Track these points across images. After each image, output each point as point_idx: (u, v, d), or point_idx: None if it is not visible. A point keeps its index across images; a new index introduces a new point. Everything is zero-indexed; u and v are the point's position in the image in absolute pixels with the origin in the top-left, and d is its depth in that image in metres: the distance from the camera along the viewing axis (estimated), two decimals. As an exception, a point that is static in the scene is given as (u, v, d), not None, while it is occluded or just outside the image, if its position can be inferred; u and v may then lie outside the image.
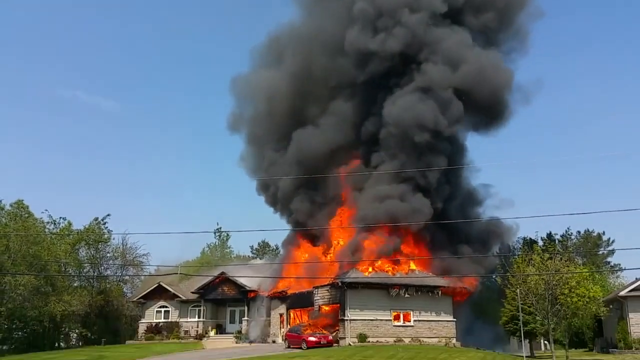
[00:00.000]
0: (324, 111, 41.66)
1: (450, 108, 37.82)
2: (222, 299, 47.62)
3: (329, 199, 41.28)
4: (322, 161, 39.98)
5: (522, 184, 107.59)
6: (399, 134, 37.43)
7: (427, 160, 37.42)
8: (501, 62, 40.48)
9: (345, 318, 34.04)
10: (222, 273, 46.06)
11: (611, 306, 33.42)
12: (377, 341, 33.40)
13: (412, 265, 38.39)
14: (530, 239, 55.89)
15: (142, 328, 47.58)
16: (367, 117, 39.59)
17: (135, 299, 49.67)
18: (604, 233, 61.54)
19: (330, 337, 33.57)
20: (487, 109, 40.00)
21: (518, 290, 23.98)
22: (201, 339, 44.30)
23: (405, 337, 34.60)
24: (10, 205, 44.79)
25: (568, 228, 62.41)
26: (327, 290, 36.33)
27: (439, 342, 34.62)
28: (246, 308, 45.97)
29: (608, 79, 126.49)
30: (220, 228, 75.81)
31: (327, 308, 37.28)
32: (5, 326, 40.09)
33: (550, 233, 59.94)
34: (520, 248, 51.92)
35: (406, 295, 35.27)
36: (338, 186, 40.71)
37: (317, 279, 36.77)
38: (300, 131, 41.70)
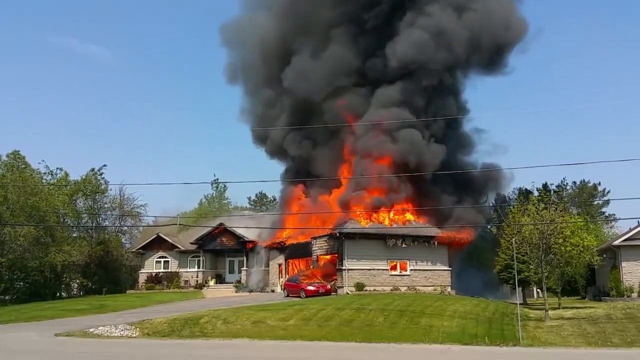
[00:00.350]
0: (318, 52, 40.54)
1: (453, 48, 37.24)
2: (221, 249, 48.10)
3: (327, 141, 40.87)
4: (319, 102, 39.30)
5: (519, 133, 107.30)
6: (400, 68, 36.81)
7: (431, 102, 36.99)
8: (509, 10, 39.51)
9: (343, 268, 34.50)
10: (221, 224, 46.36)
11: (604, 255, 33.78)
12: (374, 290, 33.92)
13: (409, 216, 38.66)
14: (526, 189, 56.22)
15: (142, 278, 48.34)
16: (367, 57, 38.84)
17: (134, 250, 50.19)
18: (599, 183, 61.96)
19: (329, 286, 34.09)
20: (490, 52, 39.37)
21: (513, 239, 24.04)
22: (201, 289, 45.06)
23: (401, 286, 35.16)
24: (7, 156, 44.59)
25: (564, 178, 62.76)
26: (325, 240, 36.66)
27: (435, 290, 35.20)
28: (245, 258, 46.51)
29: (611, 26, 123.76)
30: (218, 179, 76.21)
31: (325, 258, 37.79)
32: (7, 277, 40.52)
33: (546, 183, 60.25)
34: (515, 198, 52.25)
35: (403, 246, 35.67)
36: (337, 125, 40.14)
37: (315, 229, 37.08)
38: (294, 69, 40.48)
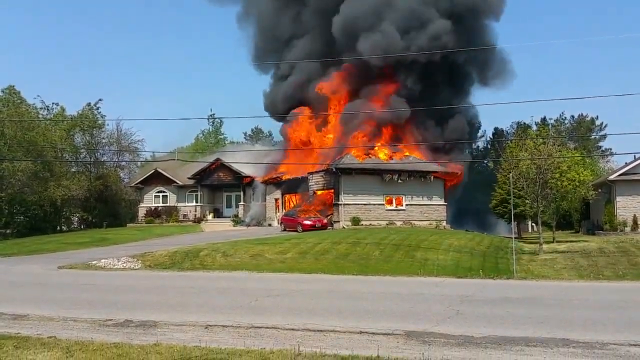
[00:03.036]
0: None
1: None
2: (218, 184, 48.42)
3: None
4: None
5: (521, 66, 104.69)
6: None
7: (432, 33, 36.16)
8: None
9: (340, 203, 34.92)
10: (218, 159, 46.35)
11: (600, 190, 34.06)
12: (370, 224, 34.48)
13: (406, 152, 38.45)
14: (525, 123, 55.95)
15: (141, 212, 48.91)
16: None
17: (133, 184, 50.46)
18: (597, 118, 61.69)
19: (325, 221, 34.72)
20: None
21: (510, 174, 24.06)
22: (199, 223, 45.76)
23: (397, 221, 35.70)
24: (2, 91, 43.73)
25: (562, 112, 62.40)
26: (322, 176, 36.84)
27: (430, 225, 35.78)
28: (242, 193, 47.00)
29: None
30: (214, 114, 75.62)
31: (322, 192, 38.16)
32: (7, 211, 40.79)
33: (545, 118, 59.96)
34: (513, 133, 52.04)
35: (399, 181, 35.90)
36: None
37: (311, 165, 37.24)
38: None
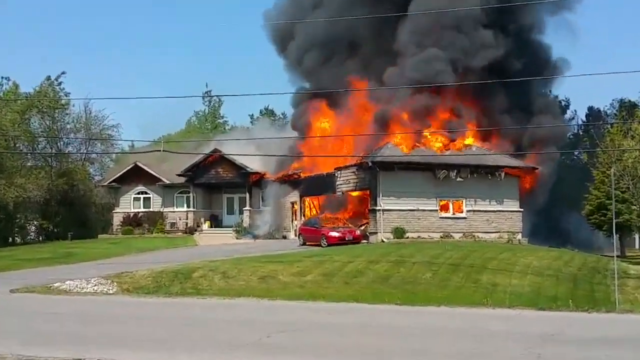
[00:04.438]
0: None
1: None
2: (217, 183, 48.65)
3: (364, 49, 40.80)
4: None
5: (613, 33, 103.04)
6: None
7: None
8: None
9: (377, 208, 34.89)
10: (216, 150, 46.53)
11: None
12: (419, 237, 34.35)
13: (468, 140, 38.44)
14: (629, 101, 54.71)
15: (117, 219, 49.70)
16: None
17: (106, 183, 51.21)
18: None
19: (358, 233, 34.78)
20: None
21: (611, 170, 23.63)
22: (192, 234, 46.24)
23: (455, 232, 35.55)
24: None
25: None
26: (354, 172, 36.90)
27: (500, 238, 35.48)
28: (248, 195, 47.18)
29: None
30: (211, 92, 76.04)
31: (353, 195, 38.11)
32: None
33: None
34: (615, 114, 51.02)
35: (458, 179, 35.69)
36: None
37: (340, 157, 37.24)
38: None
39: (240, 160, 45.18)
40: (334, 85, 37.44)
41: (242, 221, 46.59)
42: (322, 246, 33.17)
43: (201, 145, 50.89)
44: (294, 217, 43.31)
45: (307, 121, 41.60)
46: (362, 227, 35.96)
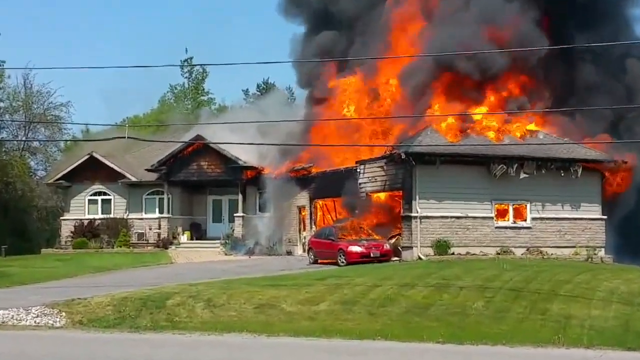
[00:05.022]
0: None
1: None
2: (200, 181, 48.79)
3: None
4: None
5: None
6: None
7: None
8: None
9: (413, 214, 34.93)
10: (199, 137, 46.25)
11: None
12: (468, 253, 34.34)
13: (532, 125, 38.48)
14: None
15: (66, 228, 49.81)
16: None
17: (52, 181, 51.19)
18: None
19: (386, 247, 34.81)
20: None
21: None
22: (166, 248, 46.38)
23: (515, 247, 35.52)
24: None
25: None
26: (382, 167, 36.93)
27: (575, 254, 35.34)
28: (240, 197, 47.19)
29: None
30: (192, 60, 76.19)
31: (380, 197, 38.16)
32: None
33: None
34: None
35: (521, 176, 35.70)
36: None
37: (364, 147, 37.57)
38: None
39: (230, 150, 45.16)
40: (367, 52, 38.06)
41: (232, 231, 46.67)
42: (339, 265, 33.32)
43: (179, 130, 50.91)
44: (302, 227, 43.35)
45: (324, 97, 42.04)
46: (393, 240, 36.01)
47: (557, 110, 36.81)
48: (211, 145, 45.47)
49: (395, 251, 35.45)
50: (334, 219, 40.71)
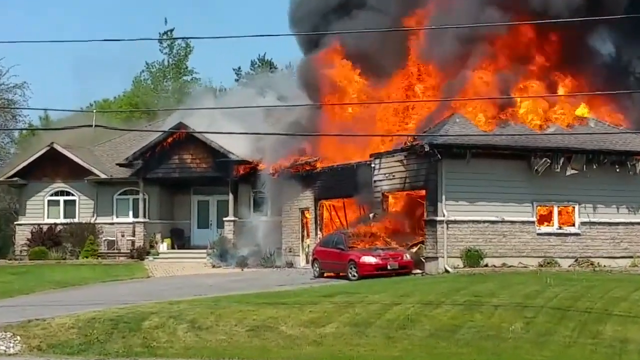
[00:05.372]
0: None
1: None
2: (183, 178, 49.06)
3: None
4: None
5: None
6: None
7: None
8: None
9: (439, 218, 34.81)
10: (181, 125, 46.14)
11: None
12: (504, 265, 34.29)
13: (581, 110, 38.42)
14: None
15: (22, 235, 49.86)
16: None
17: (4, 178, 51.20)
18: None
19: (406, 257, 34.79)
20: None
21: None
22: (142, 259, 46.52)
23: (561, 257, 35.44)
24: None
25: None
26: (401, 160, 36.83)
27: (633, 266, 35.21)
28: (232, 197, 47.23)
29: None
30: (173, 32, 77.01)
31: (400, 197, 38.40)
32: None
33: None
34: None
35: (568, 172, 35.61)
36: None
37: (382, 137, 37.98)
38: None
39: (220, 141, 45.24)
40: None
41: (222, 239, 46.61)
42: (349, 279, 33.24)
43: (157, 117, 51.23)
44: (305, 233, 43.37)
45: (329, 81, 41.50)
46: (414, 249, 35.95)
47: (612, 94, 36.73)
48: (196, 135, 45.31)
49: (417, 262, 35.42)
50: (344, 224, 40.80)
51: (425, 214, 36.16)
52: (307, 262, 40.38)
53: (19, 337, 22.17)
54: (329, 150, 41.27)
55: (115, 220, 49.60)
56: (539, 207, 36.17)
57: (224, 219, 47.70)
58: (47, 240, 48.40)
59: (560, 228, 36.18)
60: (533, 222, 35.84)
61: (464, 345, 20.80)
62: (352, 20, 40.81)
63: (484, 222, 35.35)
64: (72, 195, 50.14)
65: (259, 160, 45.18)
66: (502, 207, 35.48)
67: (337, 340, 21.54)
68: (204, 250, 46.48)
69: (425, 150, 34.50)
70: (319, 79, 41.40)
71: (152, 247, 48.15)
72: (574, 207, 36.38)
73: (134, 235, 48.72)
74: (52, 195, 50.38)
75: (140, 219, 48.85)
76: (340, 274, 34.59)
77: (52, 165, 49.71)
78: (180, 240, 49.97)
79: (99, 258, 46.97)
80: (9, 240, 51.44)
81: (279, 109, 43.46)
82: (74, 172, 49.47)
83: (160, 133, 46.55)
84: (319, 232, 41.86)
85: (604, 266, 34.87)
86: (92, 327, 22.97)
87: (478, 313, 23.40)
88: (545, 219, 36.34)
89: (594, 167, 36.01)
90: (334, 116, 40.54)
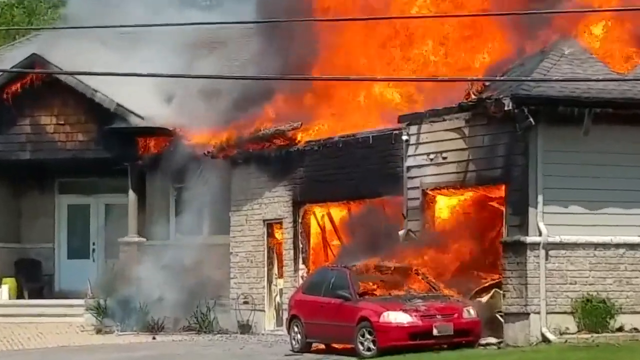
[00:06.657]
0: None
1: None
2: (38, 161, 37.49)
3: None
4: None
5: None
6: None
7: None
8: None
9: (531, 239, 25.48)
10: (37, 59, 35.33)
11: None
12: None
13: None
14: None
15: None
16: None
17: None
18: None
19: (468, 314, 25.88)
20: None
21: None
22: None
23: None
24: None
25: None
26: (458, 128, 28.03)
27: None
28: (133, 197, 36.76)
29: None
30: None
31: (453, 199, 29.33)
32: None
33: None
34: None
35: None
36: None
37: (408, 89, 31.22)
38: None
39: (108, 91, 34.55)
40: None
41: (114, 278, 35.80)
42: (362, 356, 24.08)
43: None
44: (274, 267, 33.94)
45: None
46: (484, 298, 26.74)
47: None
48: (67, 82, 34.61)
49: (489, 322, 25.74)
50: (349, 248, 31.14)
51: (504, 231, 26.23)
52: (279, 322, 31.04)
53: None
54: (321, 114, 32.27)
55: None
56: None
57: (120, 239, 36.47)
58: None
59: None
60: None
61: None
62: None
63: (618, 246, 25.66)
64: None
65: (185, 129, 34.65)
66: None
67: None
68: (80, 301, 35.68)
69: (506, 108, 25.21)
70: None
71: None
72: None
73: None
74: None
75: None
76: (343, 344, 25.19)
77: None
78: (33, 281, 37.70)
79: None
80: None
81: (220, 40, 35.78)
82: None
83: None
84: (301, 266, 32.25)
85: None
86: None
87: None
88: None
89: None
90: (333, 52, 31.42)
